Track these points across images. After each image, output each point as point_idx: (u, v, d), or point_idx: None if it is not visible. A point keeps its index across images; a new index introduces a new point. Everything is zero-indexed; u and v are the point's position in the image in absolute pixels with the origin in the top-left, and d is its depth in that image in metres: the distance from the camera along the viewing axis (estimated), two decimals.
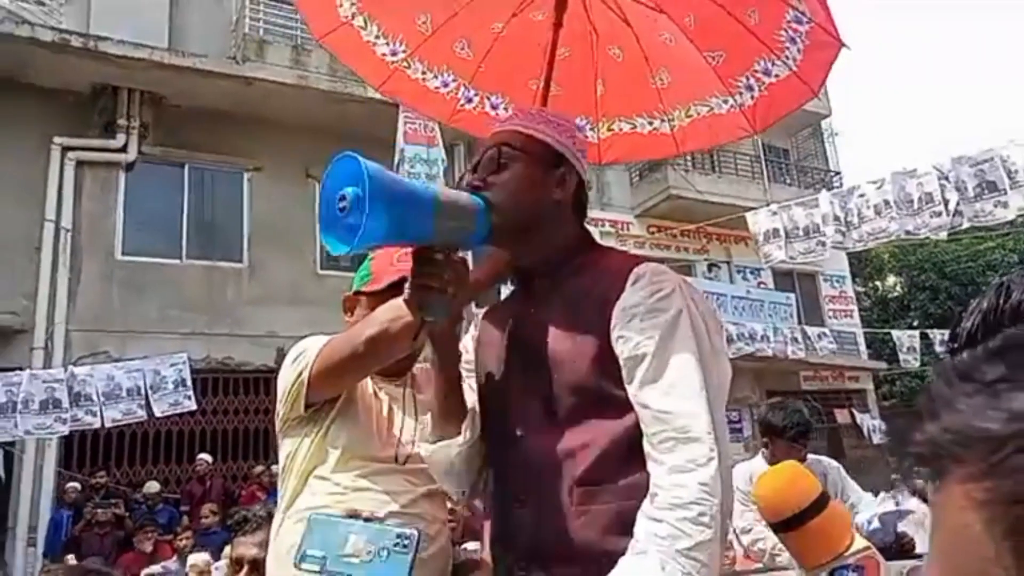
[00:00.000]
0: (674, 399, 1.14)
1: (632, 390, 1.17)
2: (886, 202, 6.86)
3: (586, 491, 1.17)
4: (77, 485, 8.09)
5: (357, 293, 1.72)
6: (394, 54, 2.27)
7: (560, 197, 1.33)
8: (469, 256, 1.33)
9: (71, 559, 6.81)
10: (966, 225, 6.50)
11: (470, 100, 2.35)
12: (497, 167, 1.31)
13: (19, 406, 7.11)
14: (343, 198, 1.12)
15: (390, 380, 1.70)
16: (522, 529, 1.23)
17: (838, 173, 16.02)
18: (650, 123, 2.31)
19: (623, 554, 1.10)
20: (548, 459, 1.21)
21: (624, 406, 1.17)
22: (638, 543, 1.08)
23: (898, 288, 23.04)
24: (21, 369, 7.65)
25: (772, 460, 3.28)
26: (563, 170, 1.33)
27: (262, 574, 2.09)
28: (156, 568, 6.70)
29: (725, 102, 2.21)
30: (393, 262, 1.63)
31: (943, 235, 6.79)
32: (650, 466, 1.12)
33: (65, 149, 9.36)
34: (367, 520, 1.36)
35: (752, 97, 2.17)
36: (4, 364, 7.95)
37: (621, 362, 1.18)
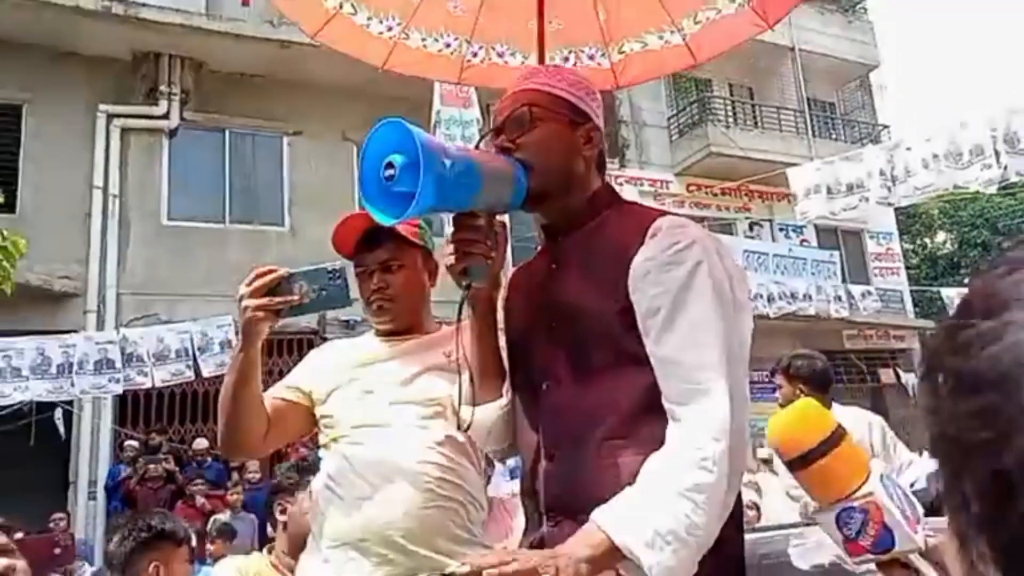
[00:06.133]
0: (687, 351, 1.14)
1: (648, 344, 1.18)
2: (934, 155, 6.62)
3: (612, 445, 1.18)
4: (135, 443, 8.42)
5: None
6: (390, 29, 2.27)
7: (588, 154, 1.33)
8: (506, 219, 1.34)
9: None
10: (1014, 179, 6.27)
11: (475, 54, 2.34)
12: (526, 127, 1.29)
13: (75, 367, 7.42)
14: (390, 166, 1.09)
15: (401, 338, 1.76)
16: (550, 481, 1.25)
17: (886, 127, 15.49)
18: (660, 37, 2.27)
19: None
20: (574, 414, 1.22)
21: (647, 360, 1.18)
22: (637, 481, 1.10)
23: (948, 245, 22.36)
24: (75, 332, 7.95)
25: (784, 402, 3.36)
26: (589, 126, 1.33)
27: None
28: (223, 516, 7.03)
29: (732, 1, 2.18)
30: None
31: (993, 189, 6.55)
32: (669, 421, 1.13)
33: (110, 116, 9.57)
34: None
35: None
36: (59, 327, 8.25)
37: (638, 317, 1.19)
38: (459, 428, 1.36)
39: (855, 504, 1.13)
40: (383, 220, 1.14)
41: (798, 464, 1.17)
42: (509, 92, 1.37)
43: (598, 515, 1.08)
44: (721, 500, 1.09)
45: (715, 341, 1.14)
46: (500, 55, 2.36)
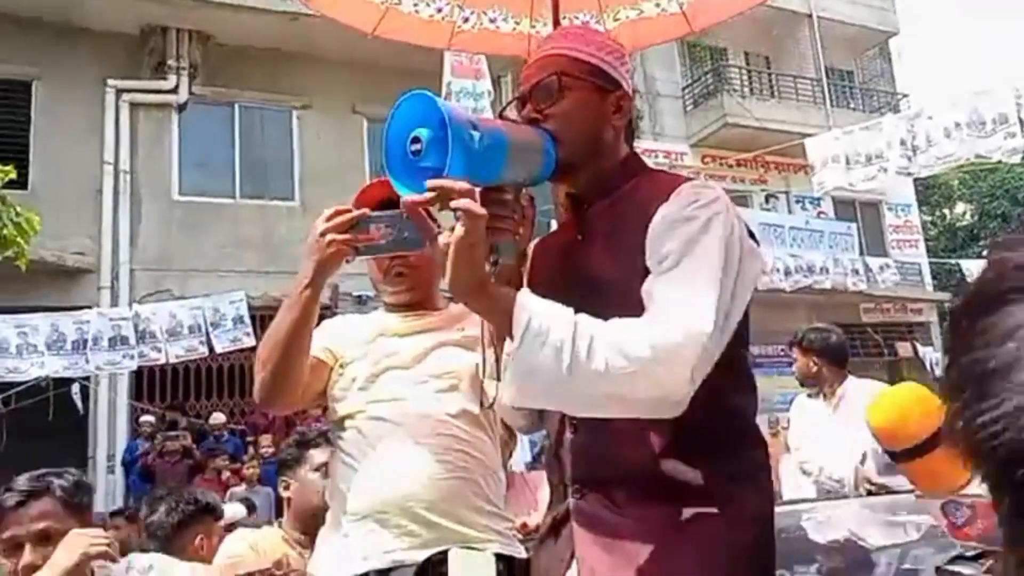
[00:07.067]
0: (682, 291, 1.07)
1: (646, 284, 1.12)
2: (956, 124, 6.48)
3: (638, 418, 1.14)
4: (151, 419, 8.49)
5: None
6: None
7: (617, 123, 1.29)
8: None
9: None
10: None
11: (467, 20, 2.32)
12: (555, 98, 1.25)
13: (90, 343, 7.46)
14: (416, 140, 1.07)
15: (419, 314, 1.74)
16: (576, 454, 1.24)
17: (906, 96, 15.21)
18: (657, 5, 2.25)
19: (678, 478, 1.11)
20: None
21: None
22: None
23: (967, 216, 22.09)
24: (89, 308, 7.99)
25: (799, 375, 3.48)
26: (619, 94, 1.28)
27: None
28: (240, 490, 7.13)
29: None
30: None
31: (1016, 158, 6.41)
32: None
33: (119, 91, 9.53)
34: None
35: None
36: (74, 303, 8.29)
37: (651, 268, 1.14)
38: (483, 405, 1.34)
39: (962, 502, 1.06)
40: (409, 196, 1.11)
41: (903, 456, 1.09)
42: (536, 56, 1.32)
43: (528, 293, 1.09)
44: (619, 380, 1.02)
45: (714, 289, 1.07)
46: (492, 20, 2.33)
